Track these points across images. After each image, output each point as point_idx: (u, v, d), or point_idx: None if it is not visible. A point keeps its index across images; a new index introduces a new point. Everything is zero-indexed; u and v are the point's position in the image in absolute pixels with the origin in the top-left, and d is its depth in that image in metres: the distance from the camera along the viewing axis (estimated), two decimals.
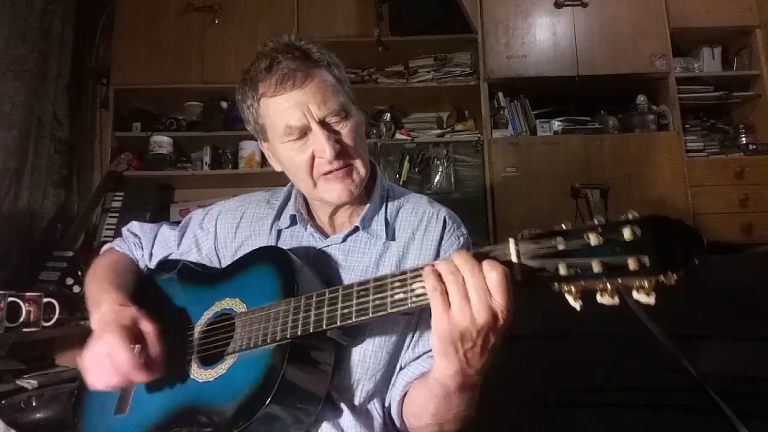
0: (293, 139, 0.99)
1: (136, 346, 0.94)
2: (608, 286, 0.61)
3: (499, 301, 0.68)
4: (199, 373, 0.96)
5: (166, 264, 1.20)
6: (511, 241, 0.70)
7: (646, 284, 0.58)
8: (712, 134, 3.21)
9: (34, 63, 2.71)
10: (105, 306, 1.00)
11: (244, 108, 1.07)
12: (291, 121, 0.98)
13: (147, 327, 0.96)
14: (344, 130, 1.01)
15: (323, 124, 0.98)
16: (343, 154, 1.00)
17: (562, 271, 0.63)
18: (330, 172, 1.00)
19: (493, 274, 0.68)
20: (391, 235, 1.08)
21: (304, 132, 0.99)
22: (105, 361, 0.91)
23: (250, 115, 1.07)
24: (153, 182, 3.21)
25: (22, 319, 1.94)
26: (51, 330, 2.09)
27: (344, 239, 1.08)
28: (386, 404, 1.03)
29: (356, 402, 0.99)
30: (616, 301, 0.61)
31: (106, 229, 3.01)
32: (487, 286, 0.69)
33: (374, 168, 1.14)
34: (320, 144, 0.97)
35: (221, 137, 3.21)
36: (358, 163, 1.03)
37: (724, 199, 2.94)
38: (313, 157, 1.00)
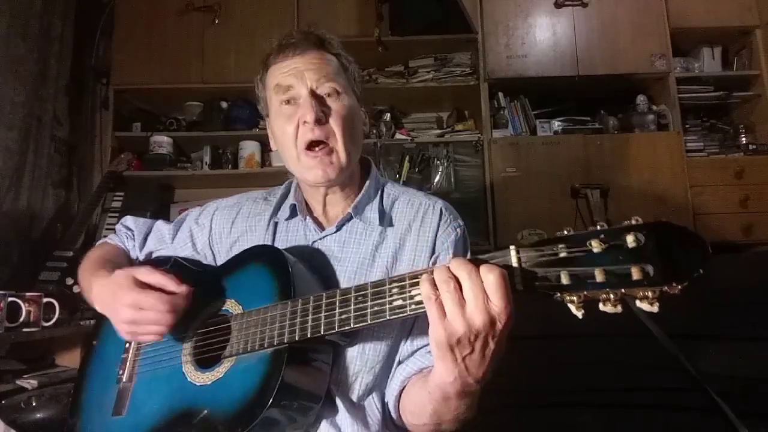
0: (283, 102, 1.03)
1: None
2: (611, 295, 0.60)
3: (496, 303, 0.67)
4: (195, 376, 0.95)
5: (157, 261, 1.20)
6: (512, 248, 0.69)
7: (650, 294, 0.57)
8: (712, 134, 3.21)
9: (34, 63, 2.70)
10: (101, 279, 1.01)
11: (258, 83, 1.12)
12: (282, 81, 1.02)
13: (142, 270, 0.97)
14: (334, 106, 1.03)
15: (313, 93, 1.01)
16: (325, 129, 1.01)
17: (565, 280, 0.62)
18: (311, 144, 1.01)
19: (490, 276, 0.67)
20: (387, 222, 1.09)
21: (293, 97, 1.02)
22: (140, 313, 0.92)
23: (259, 90, 1.12)
24: (153, 182, 3.21)
25: (22, 319, 1.93)
26: (51, 330, 2.08)
27: (338, 228, 1.08)
28: (385, 399, 1.02)
29: (354, 397, 0.99)
30: (619, 309, 0.59)
31: (106, 229, 3.01)
32: (485, 290, 0.68)
33: (369, 163, 1.16)
34: (305, 108, 1.00)
35: (221, 137, 3.21)
36: (339, 147, 1.03)
37: (724, 199, 2.93)
38: (298, 126, 1.02)
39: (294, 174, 1.12)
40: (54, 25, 2.87)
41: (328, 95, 1.03)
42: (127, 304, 0.92)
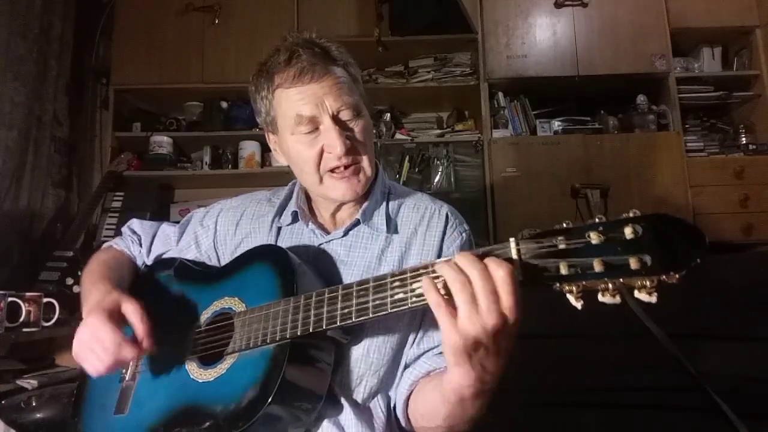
0: (303, 132, 1.00)
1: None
2: (610, 285, 0.60)
3: (506, 300, 0.66)
4: (198, 373, 0.95)
5: (163, 262, 1.20)
6: (512, 240, 0.69)
7: (647, 284, 0.57)
8: (712, 134, 3.21)
9: (34, 63, 2.70)
10: (93, 296, 1.01)
11: (257, 99, 1.07)
12: (303, 111, 0.98)
13: (129, 306, 0.96)
14: (356, 127, 1.02)
15: (336, 119, 0.99)
16: (352, 151, 1.01)
17: (564, 270, 0.63)
18: (337, 168, 1.01)
19: (500, 272, 0.66)
20: (393, 228, 1.08)
21: (315, 125, 0.99)
22: (92, 344, 0.92)
23: (262, 106, 1.07)
24: (153, 182, 3.21)
25: (22, 319, 1.93)
26: (51, 330, 2.07)
27: (345, 233, 1.08)
28: (392, 402, 1.02)
29: (359, 399, 0.99)
30: (617, 300, 0.60)
31: (106, 229, 3.01)
32: (496, 288, 0.67)
33: (376, 166, 1.15)
34: (331, 139, 0.98)
35: (221, 137, 3.21)
36: (365, 163, 1.03)
37: (724, 199, 2.93)
38: (321, 152, 1.00)
39: (312, 192, 1.11)
40: (54, 25, 2.87)
41: (349, 119, 1.01)
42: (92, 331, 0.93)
